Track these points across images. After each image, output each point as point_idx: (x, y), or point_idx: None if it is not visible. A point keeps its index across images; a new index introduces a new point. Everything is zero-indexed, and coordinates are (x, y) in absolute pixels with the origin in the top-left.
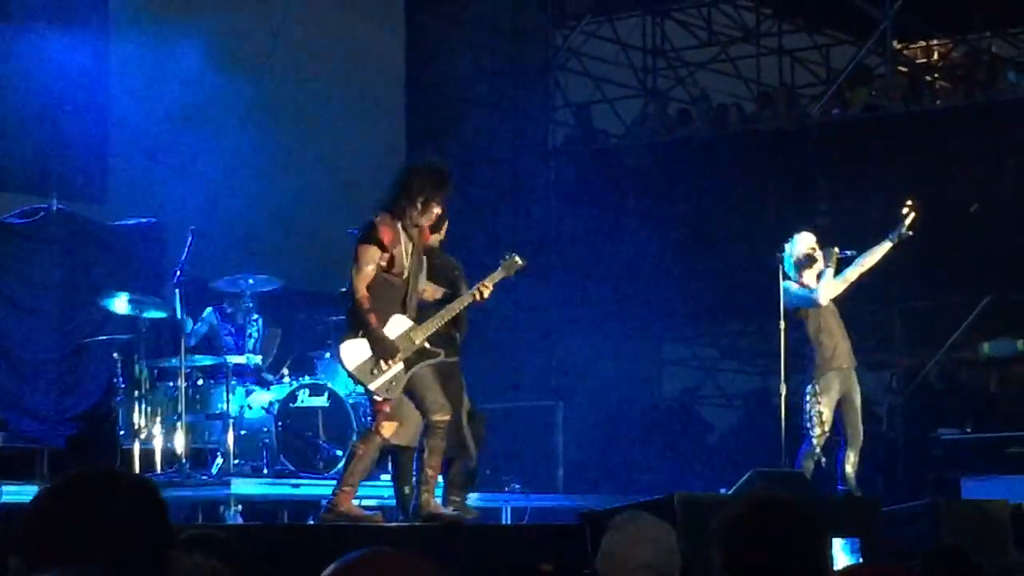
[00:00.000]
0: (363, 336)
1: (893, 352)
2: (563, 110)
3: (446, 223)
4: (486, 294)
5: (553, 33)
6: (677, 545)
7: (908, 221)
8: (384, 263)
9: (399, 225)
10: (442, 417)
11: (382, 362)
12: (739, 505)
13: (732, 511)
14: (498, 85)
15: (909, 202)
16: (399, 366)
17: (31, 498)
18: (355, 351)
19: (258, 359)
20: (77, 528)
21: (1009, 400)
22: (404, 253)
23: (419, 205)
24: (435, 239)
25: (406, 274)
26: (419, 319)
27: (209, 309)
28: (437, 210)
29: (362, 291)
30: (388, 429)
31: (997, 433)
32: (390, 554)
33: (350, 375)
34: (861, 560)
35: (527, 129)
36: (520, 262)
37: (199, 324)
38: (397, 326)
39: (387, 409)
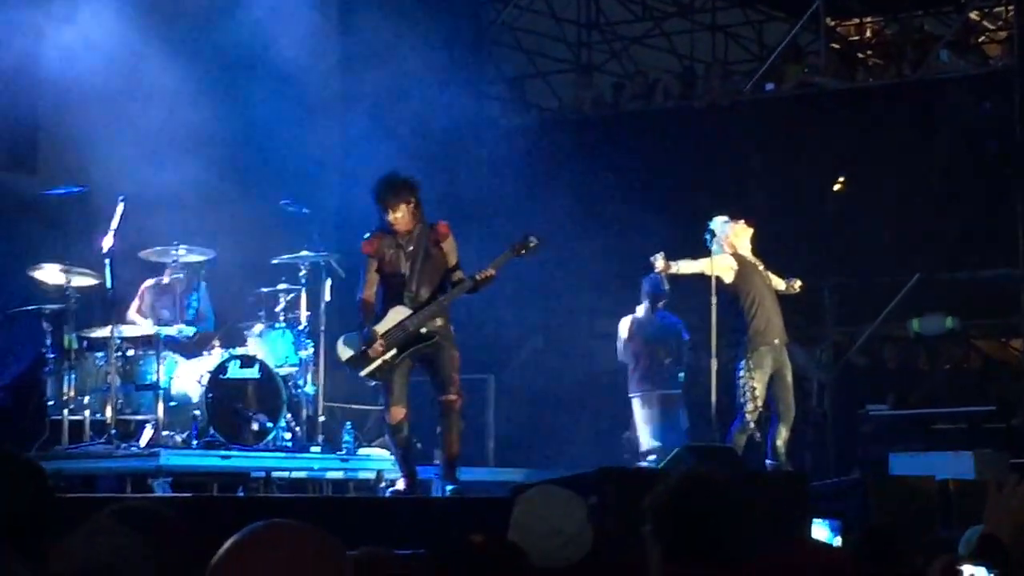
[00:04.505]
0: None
1: (823, 328)
2: (497, 84)
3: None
4: (479, 277)
5: (486, 6)
6: (587, 516)
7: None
8: (379, 269)
9: (388, 236)
10: (388, 420)
11: (368, 351)
12: (670, 481)
13: (663, 487)
14: (432, 59)
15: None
16: (390, 352)
17: None
18: (348, 344)
19: (189, 330)
20: None
21: (937, 377)
22: (398, 256)
23: (385, 216)
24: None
25: (404, 271)
26: None
27: (151, 281)
28: (392, 215)
29: (361, 294)
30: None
31: (925, 409)
32: (284, 525)
33: (346, 364)
34: (840, 540)
35: (461, 103)
36: (534, 242)
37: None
38: (395, 315)
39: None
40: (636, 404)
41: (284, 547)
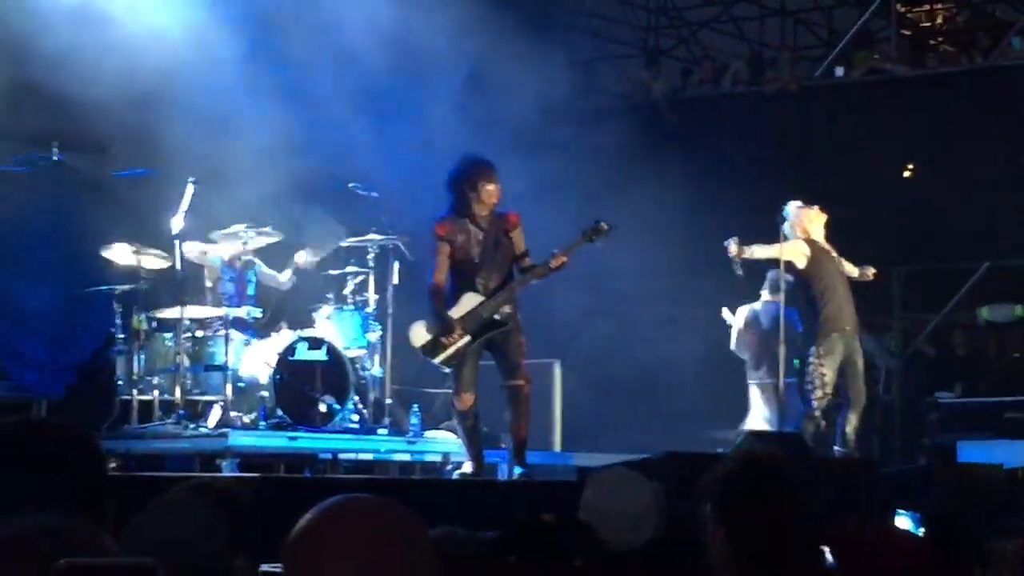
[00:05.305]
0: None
1: (892, 315)
2: (564, 68)
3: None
4: (552, 265)
5: None
6: (655, 499)
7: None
8: (451, 254)
9: (460, 220)
10: (457, 406)
11: (443, 338)
12: (730, 461)
13: (723, 468)
14: (500, 43)
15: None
16: (464, 339)
17: None
18: (422, 331)
19: (257, 311)
20: (13, 482)
21: (1006, 365)
22: (470, 242)
23: (472, 193)
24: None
25: (475, 257)
26: None
27: (215, 258)
28: (490, 186)
29: (432, 280)
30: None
31: (993, 397)
32: (363, 500)
33: (419, 351)
34: (923, 531)
35: (529, 87)
36: (605, 227)
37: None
38: (467, 302)
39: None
40: (755, 392)
41: (364, 521)
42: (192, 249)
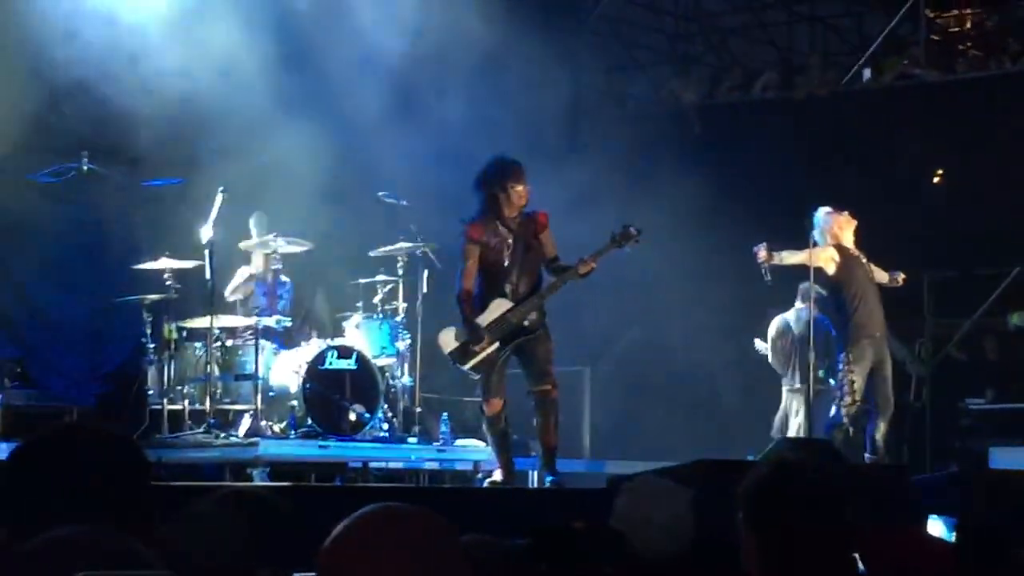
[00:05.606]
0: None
1: (922, 321)
2: (593, 74)
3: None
4: (581, 271)
5: None
6: (688, 508)
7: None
8: (481, 258)
9: (492, 223)
10: (486, 411)
11: (472, 345)
12: (761, 469)
13: (754, 475)
14: (529, 49)
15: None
16: (493, 346)
17: (6, 457)
18: (451, 337)
19: (287, 320)
20: (58, 487)
21: None
22: (502, 246)
23: (502, 194)
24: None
25: (506, 263)
26: None
27: (244, 268)
28: (520, 187)
29: (461, 285)
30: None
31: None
32: (396, 509)
33: (448, 357)
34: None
35: (558, 93)
36: (635, 233)
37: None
38: (497, 308)
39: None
40: (788, 398)
41: (397, 529)
42: (242, 275)
